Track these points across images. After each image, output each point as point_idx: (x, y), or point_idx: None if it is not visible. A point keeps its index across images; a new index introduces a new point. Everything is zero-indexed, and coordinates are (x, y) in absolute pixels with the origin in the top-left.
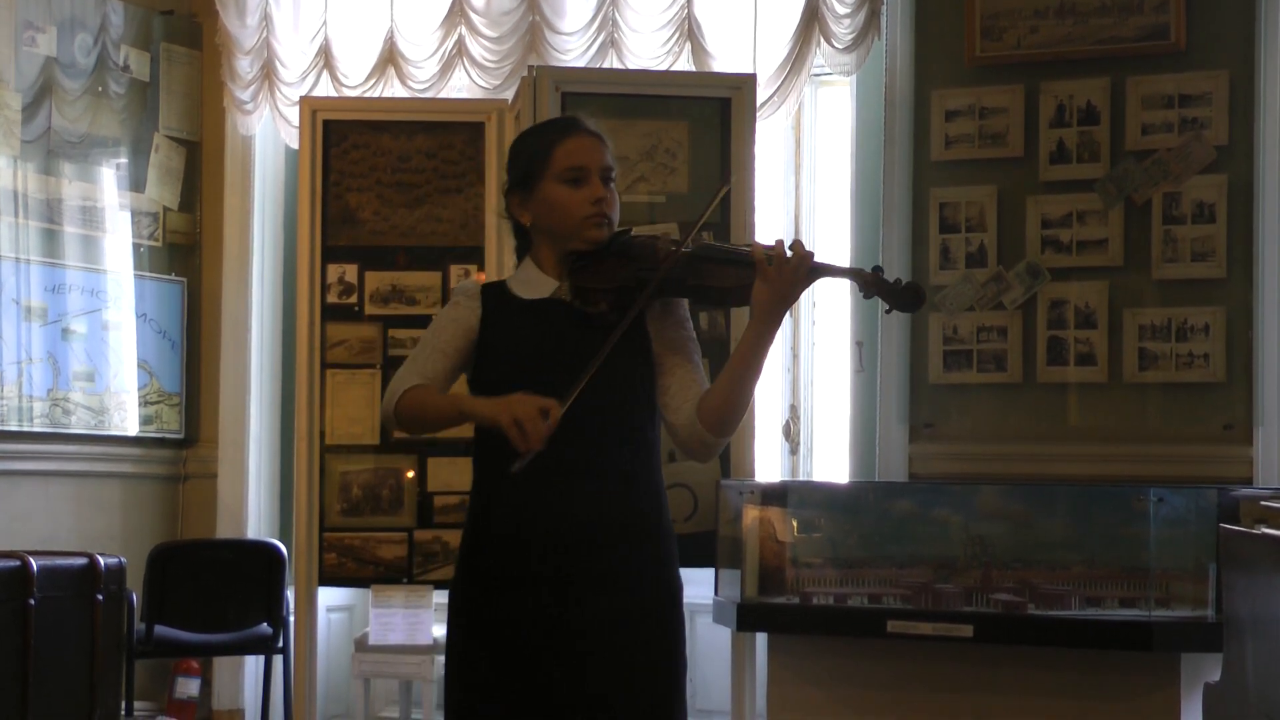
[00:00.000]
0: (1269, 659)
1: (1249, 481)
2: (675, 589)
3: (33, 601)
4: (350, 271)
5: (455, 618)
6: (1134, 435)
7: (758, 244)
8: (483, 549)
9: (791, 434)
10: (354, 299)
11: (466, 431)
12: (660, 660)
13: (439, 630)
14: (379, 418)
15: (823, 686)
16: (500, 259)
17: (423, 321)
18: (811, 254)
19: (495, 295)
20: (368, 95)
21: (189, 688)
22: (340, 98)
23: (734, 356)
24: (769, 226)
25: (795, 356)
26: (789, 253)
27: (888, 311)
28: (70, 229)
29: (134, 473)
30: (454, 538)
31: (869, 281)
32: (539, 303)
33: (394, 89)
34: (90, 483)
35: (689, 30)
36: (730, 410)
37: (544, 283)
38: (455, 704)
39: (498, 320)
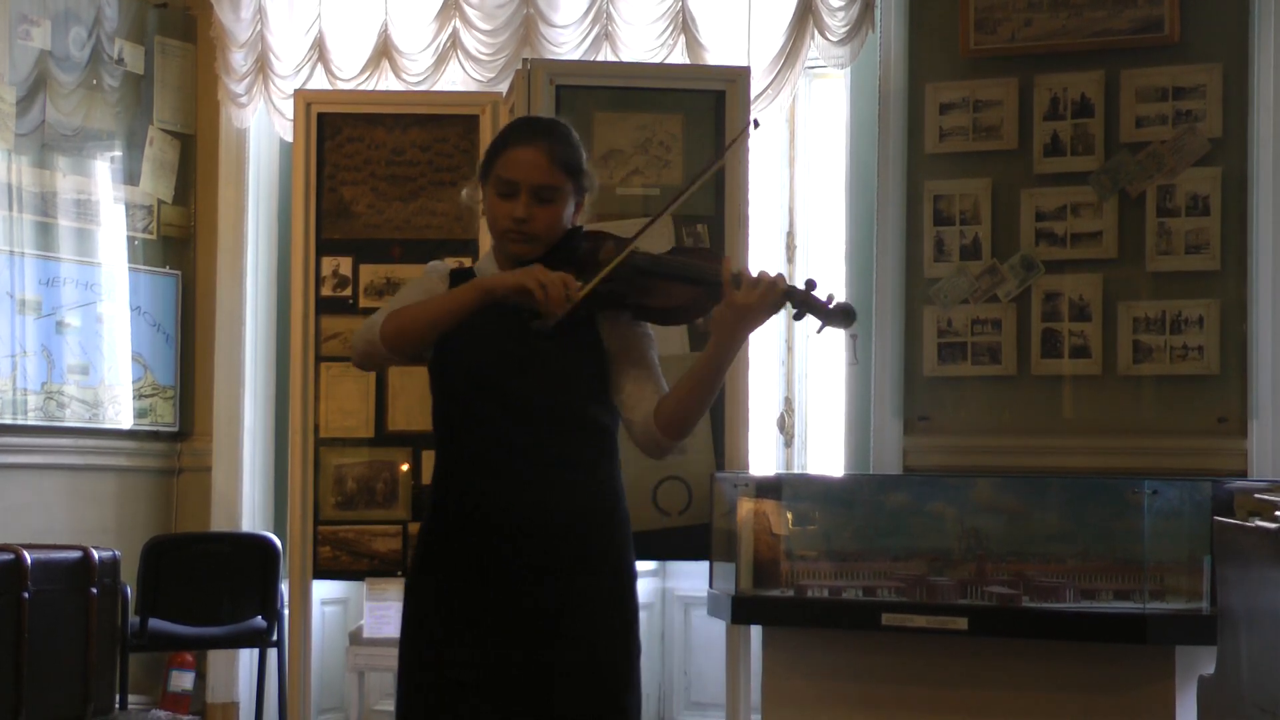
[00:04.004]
0: (1263, 651)
1: (1243, 474)
2: (630, 574)
3: (27, 595)
4: (345, 264)
5: (413, 602)
6: (1128, 428)
7: (727, 261)
8: (442, 534)
9: (786, 427)
10: (348, 292)
11: None
12: (614, 645)
13: None
14: (355, 352)
15: (817, 679)
16: None
17: None
18: (781, 278)
19: (462, 280)
20: (362, 88)
21: (183, 681)
22: (334, 91)
23: (693, 371)
24: (763, 219)
25: (790, 349)
26: (752, 274)
27: (819, 330)
28: (64, 222)
29: (128, 466)
30: None
31: (800, 300)
32: None
33: (388, 82)
34: (84, 476)
35: (683, 23)
36: (685, 420)
37: None
38: (408, 687)
39: None
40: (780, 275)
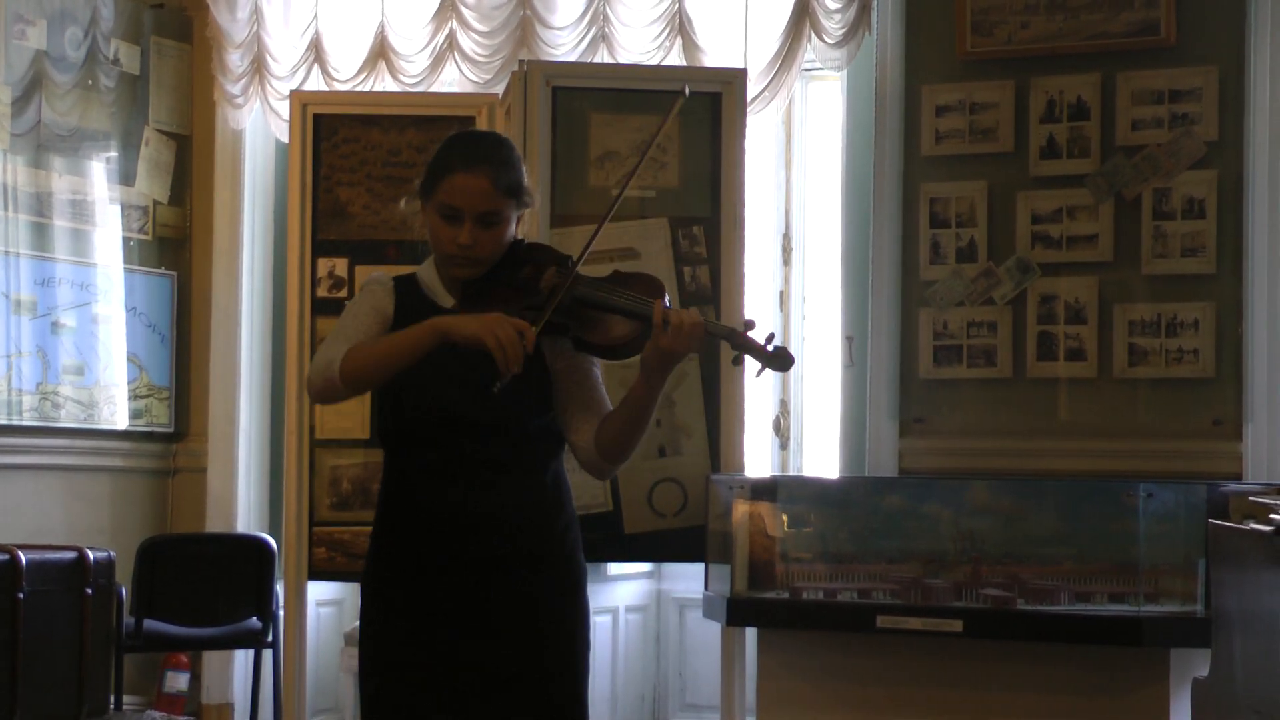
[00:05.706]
0: (1257, 653)
1: (1238, 477)
2: (581, 571)
3: (21, 595)
4: (340, 265)
5: (370, 603)
6: (1123, 430)
7: (659, 303)
8: (397, 535)
9: (782, 429)
10: (344, 293)
11: None
12: (566, 641)
13: None
14: (313, 390)
15: (812, 681)
16: None
17: None
18: (702, 321)
19: (407, 289)
20: (358, 89)
21: (178, 682)
22: (331, 92)
23: (626, 403)
24: (760, 222)
25: None
26: (678, 317)
27: (758, 374)
28: (60, 222)
29: (123, 466)
30: None
31: (739, 343)
32: (441, 310)
33: (385, 83)
34: (79, 476)
35: (680, 25)
36: (624, 448)
37: (442, 294)
38: (372, 687)
39: (409, 316)
40: (701, 318)
